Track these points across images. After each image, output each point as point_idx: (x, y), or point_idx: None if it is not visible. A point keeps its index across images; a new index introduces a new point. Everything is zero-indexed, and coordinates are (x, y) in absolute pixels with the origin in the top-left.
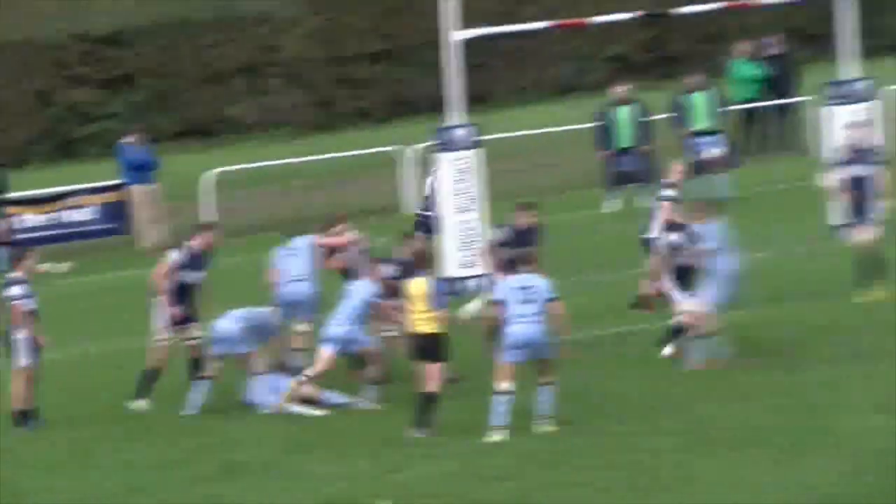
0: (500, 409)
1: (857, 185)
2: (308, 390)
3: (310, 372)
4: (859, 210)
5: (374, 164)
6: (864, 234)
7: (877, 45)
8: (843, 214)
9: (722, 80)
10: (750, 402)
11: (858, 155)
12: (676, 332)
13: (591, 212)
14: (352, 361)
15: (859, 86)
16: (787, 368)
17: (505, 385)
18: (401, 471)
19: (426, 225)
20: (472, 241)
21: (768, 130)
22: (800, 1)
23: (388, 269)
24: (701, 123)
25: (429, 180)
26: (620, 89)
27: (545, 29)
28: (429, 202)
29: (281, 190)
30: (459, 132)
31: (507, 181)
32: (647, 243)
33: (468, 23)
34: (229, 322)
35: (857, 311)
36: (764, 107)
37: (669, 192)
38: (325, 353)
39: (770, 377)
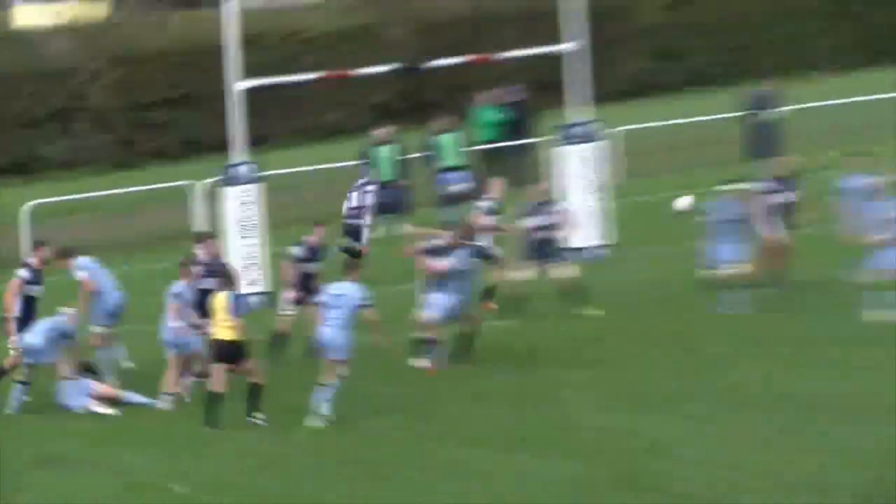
0: (319, 397)
1: (542, 230)
2: (109, 391)
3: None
4: (544, 252)
5: (169, 196)
6: (563, 271)
7: (608, 91)
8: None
9: (468, 123)
10: (490, 402)
11: (541, 207)
12: (422, 343)
13: None
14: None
15: (586, 128)
16: (523, 373)
17: (324, 378)
18: (198, 460)
19: (355, 231)
20: (254, 262)
21: (508, 168)
22: (538, 54)
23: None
24: (449, 161)
25: (353, 194)
26: (382, 131)
27: (317, 79)
28: (354, 212)
29: (89, 219)
30: (243, 169)
31: (285, 211)
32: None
33: (250, 73)
34: (34, 335)
35: (577, 325)
36: (504, 147)
37: (486, 204)
38: (171, 356)
39: (508, 379)
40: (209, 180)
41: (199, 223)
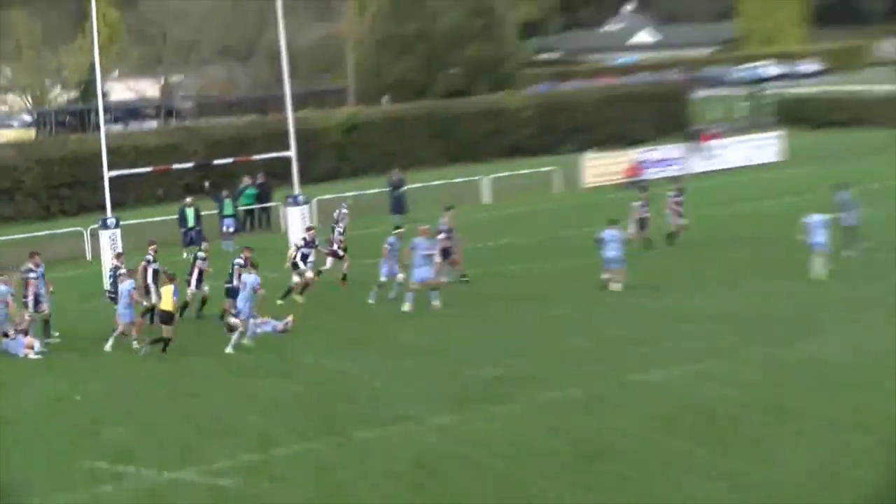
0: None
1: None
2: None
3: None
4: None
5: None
6: (308, 275)
7: (311, 177)
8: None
9: (238, 194)
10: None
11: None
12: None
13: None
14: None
15: (301, 198)
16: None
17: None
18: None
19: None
20: None
21: (260, 221)
22: (274, 157)
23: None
24: (227, 212)
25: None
26: (188, 200)
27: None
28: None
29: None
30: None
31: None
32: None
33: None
34: None
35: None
36: (256, 207)
37: (392, 239)
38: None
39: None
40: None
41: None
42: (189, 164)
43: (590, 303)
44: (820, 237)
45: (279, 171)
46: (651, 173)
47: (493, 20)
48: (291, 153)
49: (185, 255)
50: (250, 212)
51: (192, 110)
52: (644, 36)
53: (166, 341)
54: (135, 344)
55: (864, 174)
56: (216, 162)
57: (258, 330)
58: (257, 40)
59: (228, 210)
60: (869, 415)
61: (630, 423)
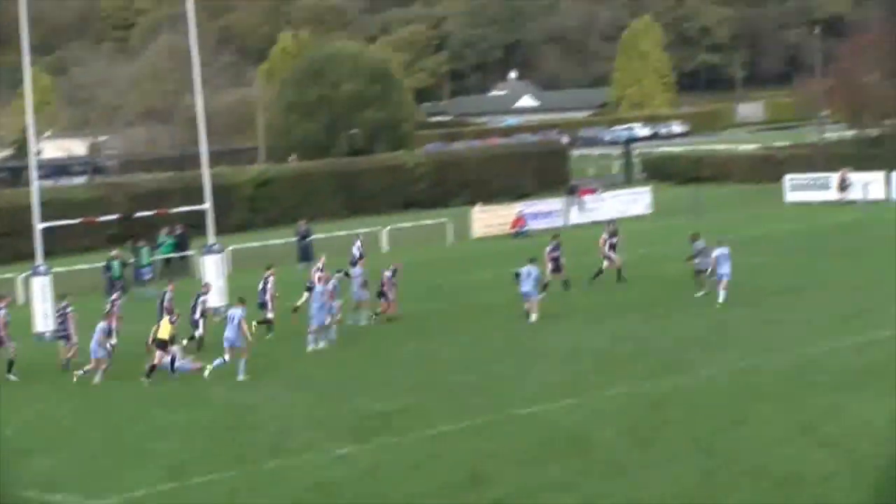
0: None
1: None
2: None
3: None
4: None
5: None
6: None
7: (226, 228)
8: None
9: (157, 244)
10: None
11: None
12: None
13: None
14: None
15: (215, 247)
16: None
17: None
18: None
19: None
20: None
21: (175, 268)
22: (192, 210)
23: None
24: (145, 262)
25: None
26: (115, 252)
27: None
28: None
29: None
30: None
31: None
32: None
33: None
34: None
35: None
36: (175, 256)
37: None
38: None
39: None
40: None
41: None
42: (114, 217)
43: (478, 340)
44: (724, 268)
45: (196, 223)
46: (535, 225)
47: (390, 86)
48: (207, 206)
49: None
50: (169, 260)
51: (117, 167)
52: (527, 100)
53: (153, 367)
54: (80, 372)
55: (725, 225)
56: (138, 214)
57: (189, 366)
58: (176, 104)
59: (145, 260)
60: (735, 444)
61: (512, 451)
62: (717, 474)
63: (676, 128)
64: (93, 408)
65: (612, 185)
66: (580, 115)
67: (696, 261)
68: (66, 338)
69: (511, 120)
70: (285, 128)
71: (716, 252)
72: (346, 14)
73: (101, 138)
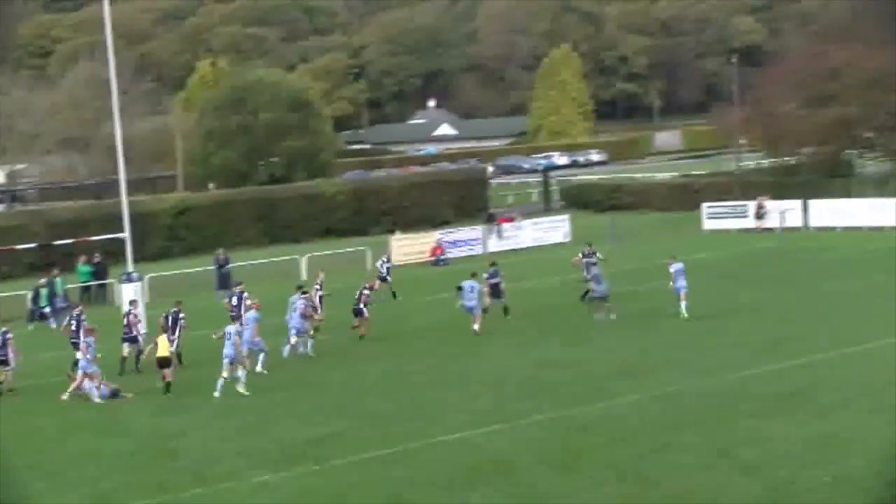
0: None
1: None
2: None
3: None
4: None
5: None
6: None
7: (144, 255)
8: None
9: (76, 272)
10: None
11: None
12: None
13: None
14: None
15: (134, 275)
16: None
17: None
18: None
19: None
20: None
21: (96, 296)
22: (112, 238)
23: None
24: (59, 289)
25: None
26: (42, 281)
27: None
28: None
29: None
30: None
31: None
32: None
33: None
34: None
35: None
36: (93, 283)
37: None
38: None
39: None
40: None
41: None
42: (32, 245)
43: (402, 367)
44: (681, 282)
45: (115, 251)
46: (454, 253)
47: (310, 115)
48: (126, 234)
49: (30, 327)
50: (87, 288)
51: (36, 195)
52: (446, 129)
53: (168, 383)
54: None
55: (644, 253)
56: (57, 242)
57: (105, 390)
58: (95, 132)
59: (58, 289)
60: (657, 470)
61: (435, 477)
62: (638, 500)
63: (595, 156)
64: (16, 433)
65: (531, 213)
66: (499, 143)
67: (592, 287)
68: (5, 362)
69: (430, 148)
70: (204, 156)
71: (672, 267)
72: (265, 42)
73: (19, 166)
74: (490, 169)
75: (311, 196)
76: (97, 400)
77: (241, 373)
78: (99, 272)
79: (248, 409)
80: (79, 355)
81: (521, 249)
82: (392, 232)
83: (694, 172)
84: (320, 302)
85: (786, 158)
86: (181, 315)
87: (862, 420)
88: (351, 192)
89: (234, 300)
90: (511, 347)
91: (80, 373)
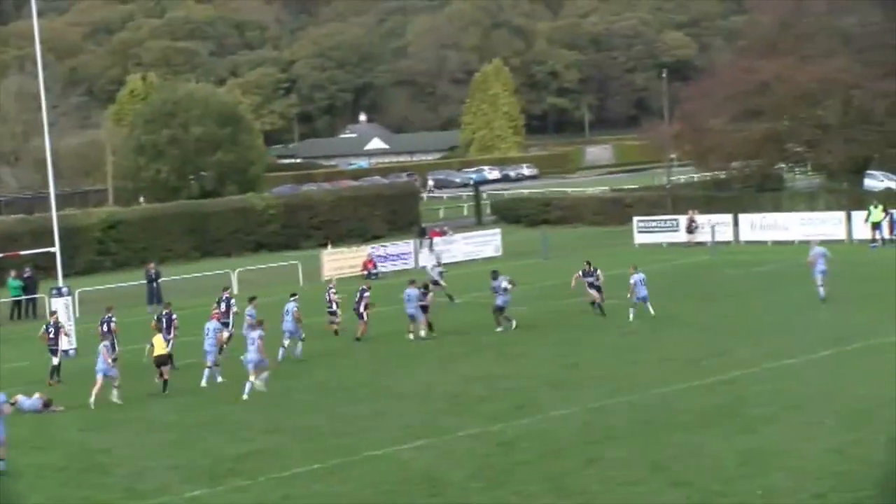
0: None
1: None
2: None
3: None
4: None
5: None
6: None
7: (75, 271)
8: None
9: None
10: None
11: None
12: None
13: None
14: None
15: (64, 289)
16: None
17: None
18: None
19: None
20: None
21: (27, 311)
22: (43, 252)
23: None
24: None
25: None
26: None
27: None
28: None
29: None
30: None
31: None
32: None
33: None
34: None
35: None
36: (24, 298)
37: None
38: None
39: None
40: None
41: None
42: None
43: (332, 381)
44: (643, 292)
45: (45, 265)
46: (385, 267)
47: (240, 129)
48: (55, 248)
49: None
50: (18, 302)
51: None
52: (377, 143)
53: (165, 381)
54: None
55: (575, 266)
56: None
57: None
58: (24, 146)
59: None
60: (588, 484)
61: (364, 492)
62: None
63: (526, 170)
64: None
65: (462, 227)
66: (430, 157)
67: (498, 299)
68: None
69: (361, 162)
70: (134, 170)
71: (633, 278)
72: (196, 56)
73: None
74: (430, 182)
75: (241, 210)
76: (117, 400)
77: (263, 376)
78: (29, 287)
79: (179, 425)
80: (100, 361)
81: (453, 263)
82: (324, 246)
83: (625, 187)
84: (336, 306)
85: (716, 172)
86: (173, 316)
87: (790, 433)
88: (282, 206)
89: (223, 306)
90: (441, 363)
91: (99, 376)
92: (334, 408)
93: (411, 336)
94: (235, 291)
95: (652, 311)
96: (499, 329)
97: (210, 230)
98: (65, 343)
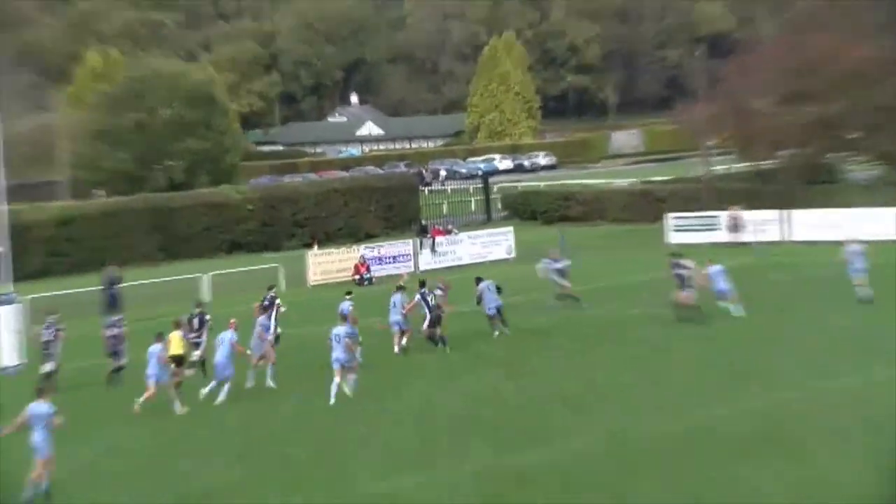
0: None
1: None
2: None
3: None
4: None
5: None
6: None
7: (23, 274)
8: None
9: None
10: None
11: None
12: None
13: None
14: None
15: (9, 297)
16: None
17: None
18: None
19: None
20: None
21: None
22: None
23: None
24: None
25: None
26: None
27: None
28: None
29: None
30: None
31: None
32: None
33: None
34: None
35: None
36: None
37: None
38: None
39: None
40: None
41: None
42: None
43: (316, 401)
44: (720, 285)
45: None
46: (381, 271)
47: (214, 111)
48: (4, 248)
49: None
50: None
51: None
52: (370, 128)
53: (179, 382)
54: (176, 405)
55: (598, 271)
56: None
57: None
58: None
59: None
60: None
61: None
62: None
63: (542, 159)
64: None
65: (469, 224)
66: (432, 144)
67: (488, 304)
68: None
69: (352, 150)
70: (92, 158)
71: (709, 269)
72: (163, 29)
73: None
74: (443, 172)
75: (214, 205)
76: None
77: (350, 378)
78: None
79: (142, 452)
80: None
81: (458, 267)
82: (310, 246)
83: (656, 178)
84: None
85: (762, 162)
86: (207, 317)
87: (844, 462)
88: (261, 200)
89: (197, 322)
90: (442, 379)
91: (151, 381)
92: (319, 432)
93: (396, 349)
94: (208, 299)
95: (732, 310)
96: (495, 334)
97: (178, 228)
98: (9, 359)
